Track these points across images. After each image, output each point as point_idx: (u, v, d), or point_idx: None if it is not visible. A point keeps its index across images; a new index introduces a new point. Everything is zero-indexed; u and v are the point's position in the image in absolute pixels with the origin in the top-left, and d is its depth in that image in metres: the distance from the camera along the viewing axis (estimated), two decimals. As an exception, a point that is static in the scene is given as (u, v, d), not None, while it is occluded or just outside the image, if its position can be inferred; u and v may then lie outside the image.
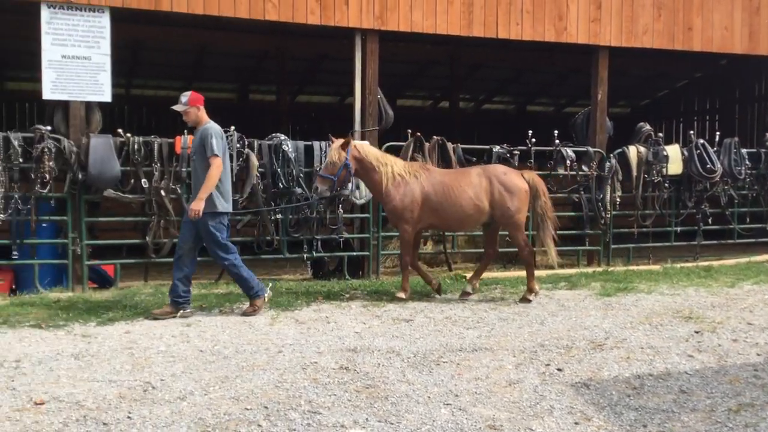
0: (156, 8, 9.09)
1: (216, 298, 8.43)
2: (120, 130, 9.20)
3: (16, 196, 8.55)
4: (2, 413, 4.62)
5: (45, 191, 8.63)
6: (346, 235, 10.10)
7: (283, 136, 9.83)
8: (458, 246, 11.26)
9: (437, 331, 7.01)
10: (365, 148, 8.53)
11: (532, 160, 10.92)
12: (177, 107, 7.59)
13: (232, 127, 9.51)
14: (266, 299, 7.75)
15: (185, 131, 9.52)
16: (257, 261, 10.18)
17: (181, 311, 7.50)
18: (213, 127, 7.54)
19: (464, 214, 8.51)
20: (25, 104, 16.85)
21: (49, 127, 8.75)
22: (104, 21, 8.86)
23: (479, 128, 19.44)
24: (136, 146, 9.05)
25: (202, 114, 7.59)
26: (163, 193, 9.08)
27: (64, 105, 8.93)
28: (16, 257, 8.77)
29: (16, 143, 8.55)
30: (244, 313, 7.62)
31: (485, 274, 10.42)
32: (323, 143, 9.89)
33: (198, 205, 7.32)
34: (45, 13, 8.63)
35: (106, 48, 8.90)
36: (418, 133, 10.32)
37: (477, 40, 11.34)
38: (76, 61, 8.80)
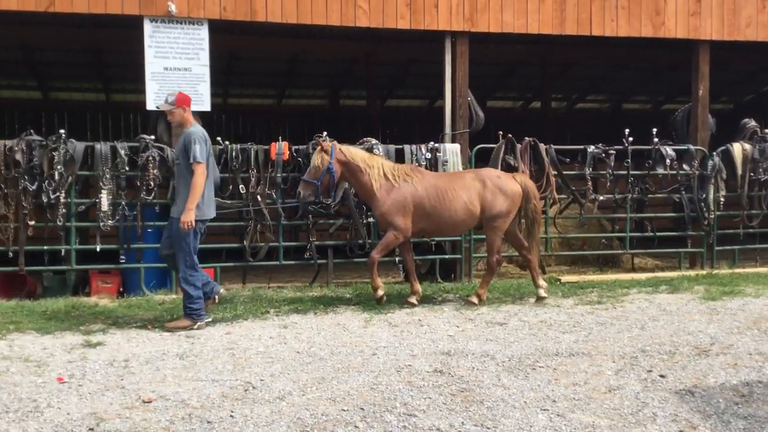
0: (252, 19, 9.37)
1: (311, 301, 8.59)
2: (219, 138, 9.52)
3: (123, 203, 8.97)
4: (113, 411, 4.85)
5: (150, 198, 9.03)
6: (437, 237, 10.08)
7: (374, 141, 9.89)
8: (552, 249, 11.05)
9: (532, 335, 6.90)
10: (351, 150, 8.36)
11: (629, 160, 10.59)
12: (163, 106, 7.40)
13: (324, 133, 9.65)
14: (193, 327, 7.16)
15: (279, 138, 9.77)
16: (349, 264, 10.31)
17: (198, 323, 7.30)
18: (197, 131, 7.22)
19: (458, 219, 8.36)
20: (130, 115, 17.69)
21: (152, 137, 9.16)
22: (203, 33, 9.21)
23: (572, 128, 19.04)
24: (233, 153, 9.35)
25: (188, 116, 7.35)
26: (259, 198, 9.34)
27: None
28: (123, 261, 9.22)
29: (122, 152, 8.99)
30: (168, 324, 7.23)
31: (580, 277, 10.22)
32: (413, 147, 9.93)
33: (189, 216, 7.01)
34: (148, 27, 9.04)
35: (205, 59, 9.25)
36: (509, 135, 10.21)
37: (569, 39, 11.12)
38: (177, 72, 9.18)
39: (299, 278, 10.40)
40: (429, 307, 8.29)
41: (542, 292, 8.50)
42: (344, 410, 4.82)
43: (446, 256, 10.26)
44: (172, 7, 8.95)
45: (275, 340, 6.77)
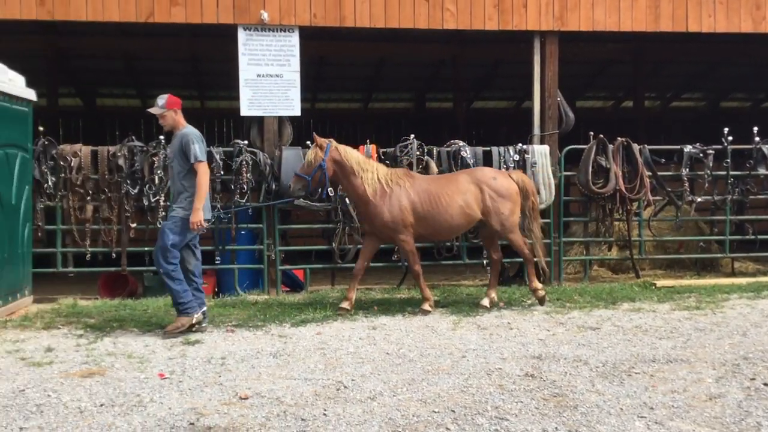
0: (341, 25, 9.52)
1: (399, 303, 8.63)
2: (308, 143, 9.69)
3: (218, 205, 9.27)
4: (212, 406, 5.02)
5: (243, 201, 9.30)
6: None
7: (461, 143, 9.89)
8: (646, 251, 10.72)
9: (627, 341, 6.72)
10: (347, 151, 8.09)
11: (728, 160, 10.17)
12: (153, 110, 7.23)
13: (412, 135, 9.72)
14: (195, 321, 7.07)
15: (367, 141, 9.87)
16: (437, 267, 10.33)
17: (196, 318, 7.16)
18: (192, 131, 7.15)
19: (454, 223, 8.17)
20: (223, 121, 18.28)
21: (246, 142, 9.44)
22: (294, 40, 9.42)
23: (667, 128, 18.45)
24: (323, 157, 9.50)
25: (180, 118, 7.25)
26: (347, 200, 9.46)
27: (259, 120, 9.59)
28: (218, 262, 9.52)
29: (217, 157, 9.29)
30: (167, 329, 7.04)
31: (676, 282, 9.89)
32: (501, 149, 9.85)
33: (198, 216, 6.94)
34: (242, 35, 9.32)
35: (296, 65, 9.46)
36: (601, 135, 9.98)
37: (663, 36, 10.76)
38: (269, 79, 9.42)
39: (386, 280, 10.48)
40: (518, 311, 8.20)
41: (540, 293, 8.39)
42: (435, 412, 4.83)
43: (536, 259, 10.10)
44: (265, 15, 9.20)
45: (365, 341, 6.85)
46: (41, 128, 9.14)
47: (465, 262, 10.04)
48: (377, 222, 8.05)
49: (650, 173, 9.98)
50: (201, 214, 6.98)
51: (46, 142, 9.12)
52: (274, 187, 9.34)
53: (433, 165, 9.54)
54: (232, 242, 9.51)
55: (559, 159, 10.00)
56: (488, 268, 9.81)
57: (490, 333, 7.12)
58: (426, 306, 8.08)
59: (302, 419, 4.72)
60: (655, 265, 11.34)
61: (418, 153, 9.58)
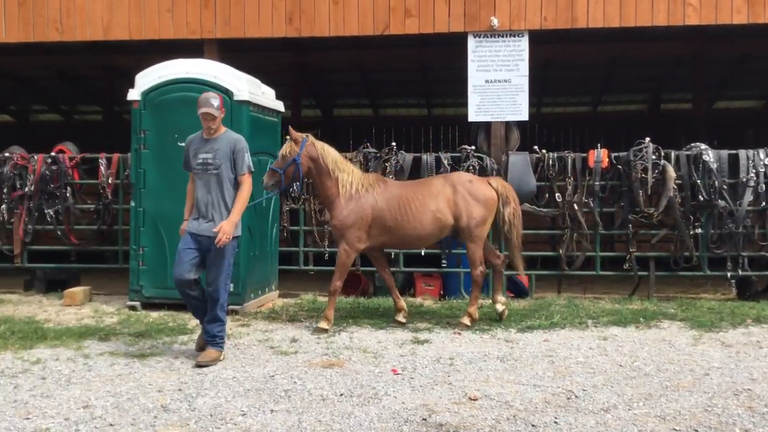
0: (572, 26, 9.33)
1: (631, 314, 8.24)
2: (536, 147, 9.62)
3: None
4: (442, 405, 5.15)
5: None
6: (778, 252, 9.07)
7: (703, 146, 9.24)
8: None
9: None
10: (325, 148, 7.58)
11: None
12: (210, 110, 6.30)
13: (647, 139, 9.25)
14: (222, 358, 6.38)
15: (598, 145, 9.53)
16: (673, 278, 9.72)
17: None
18: (243, 138, 6.57)
19: (424, 232, 7.67)
20: (449, 127, 18.66)
21: (473, 147, 9.57)
22: (523, 44, 9.39)
23: None
24: (550, 162, 9.37)
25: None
26: (576, 206, 9.23)
27: (486, 126, 9.67)
28: (444, 265, 9.73)
29: (446, 162, 9.52)
30: (198, 364, 6.21)
31: None
32: (750, 152, 9.06)
33: (231, 229, 6.22)
34: (471, 42, 9.47)
35: (524, 70, 9.42)
36: None
37: None
38: (497, 84, 9.48)
39: (615, 290, 10.05)
40: (768, 329, 7.49)
41: (499, 307, 7.94)
42: (675, 430, 4.57)
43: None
44: (495, 22, 9.26)
45: (595, 351, 6.63)
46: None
47: (706, 273, 9.34)
48: (332, 222, 7.74)
49: None
50: (236, 227, 6.35)
51: (291, 150, 9.88)
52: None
53: (670, 170, 9.00)
54: (458, 246, 9.65)
55: (819, 162, 8.97)
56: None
57: (736, 351, 6.58)
58: (323, 324, 7.48)
59: (533, 425, 4.69)
60: None
61: (653, 157, 9.09)
